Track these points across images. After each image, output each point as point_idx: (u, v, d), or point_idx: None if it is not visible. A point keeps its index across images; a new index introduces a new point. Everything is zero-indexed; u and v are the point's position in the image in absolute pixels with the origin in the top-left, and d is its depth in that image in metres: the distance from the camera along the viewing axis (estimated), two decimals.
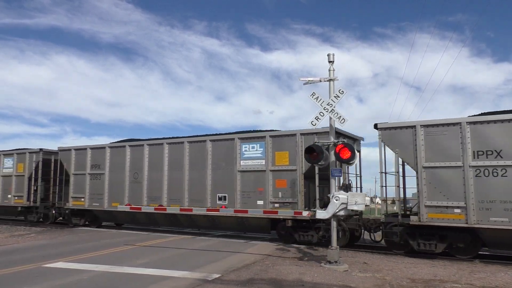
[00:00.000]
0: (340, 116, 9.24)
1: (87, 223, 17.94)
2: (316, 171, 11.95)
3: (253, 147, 13.62)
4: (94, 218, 17.84)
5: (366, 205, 9.10)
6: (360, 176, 14.27)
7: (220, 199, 13.99)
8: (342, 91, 9.35)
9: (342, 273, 8.47)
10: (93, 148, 17.66)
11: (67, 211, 18.43)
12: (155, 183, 15.55)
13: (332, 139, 9.52)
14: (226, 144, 14.13)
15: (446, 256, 10.84)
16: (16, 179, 20.14)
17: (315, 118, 9.47)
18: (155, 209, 13.69)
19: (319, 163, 9.57)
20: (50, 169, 19.59)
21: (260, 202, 13.20)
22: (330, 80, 9.65)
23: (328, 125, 9.93)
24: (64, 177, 18.72)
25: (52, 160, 19.60)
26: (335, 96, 9.39)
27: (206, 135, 14.95)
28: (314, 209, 10.10)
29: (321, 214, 9.27)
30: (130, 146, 16.58)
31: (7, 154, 20.92)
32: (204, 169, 14.41)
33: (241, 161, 13.72)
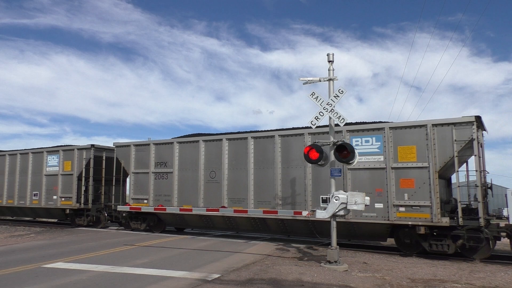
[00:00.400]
0: (340, 116, 9.24)
1: (147, 227, 15.92)
2: (456, 168, 10.73)
3: (367, 141, 11.84)
4: (157, 222, 15.81)
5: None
6: (485, 172, 12.29)
7: (324, 201, 12.10)
8: (342, 91, 9.36)
9: (342, 273, 8.47)
10: (158, 143, 15.69)
11: (124, 214, 16.27)
12: (238, 183, 13.75)
13: (332, 139, 9.52)
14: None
15: None
16: (63, 179, 18.19)
17: (315, 117, 9.49)
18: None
19: (319, 163, 9.58)
20: (101, 167, 17.88)
21: (379, 205, 11.39)
22: (329, 80, 9.66)
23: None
24: (122, 176, 16.98)
25: (104, 158, 17.95)
26: (334, 96, 9.40)
27: (305, 127, 13.04)
28: (314, 209, 10.09)
29: (320, 214, 9.26)
30: (204, 141, 14.63)
31: (51, 151, 18.87)
32: (302, 166, 12.57)
33: None
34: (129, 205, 15.62)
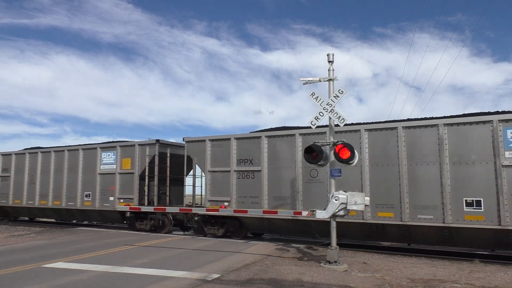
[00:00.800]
0: (340, 116, 9.25)
1: (226, 233, 13.97)
2: None
3: None
4: (239, 227, 13.87)
5: (366, 205, 9.08)
6: None
7: (469, 204, 10.22)
8: (342, 91, 9.37)
9: (342, 273, 8.48)
10: (241, 138, 13.70)
11: (196, 218, 14.45)
12: (348, 182, 11.67)
13: (332, 139, 9.53)
14: (474, 130, 10.38)
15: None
16: (121, 178, 16.29)
17: (315, 118, 9.50)
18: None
19: (319, 163, 9.60)
20: (165, 165, 15.94)
21: None
22: (329, 80, 9.67)
23: None
24: (195, 175, 15.06)
25: (168, 154, 16.08)
26: (334, 96, 9.41)
27: (440, 117, 11.18)
28: (314, 209, 10.09)
29: (320, 214, 9.28)
30: (302, 134, 12.45)
31: (107, 147, 16.97)
32: (436, 163, 10.67)
33: (506, 153, 10.02)
34: (127, 204, 15.31)
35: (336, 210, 9.00)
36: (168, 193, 15.88)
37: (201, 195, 14.90)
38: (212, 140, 14.30)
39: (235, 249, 11.56)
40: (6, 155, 20.36)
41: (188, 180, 17.26)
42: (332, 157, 9.45)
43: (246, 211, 11.81)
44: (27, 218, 22.23)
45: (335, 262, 9.02)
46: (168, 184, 15.93)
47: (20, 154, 19.90)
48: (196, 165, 14.84)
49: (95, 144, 17.61)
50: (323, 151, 9.45)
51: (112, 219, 17.28)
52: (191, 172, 15.48)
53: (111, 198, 16.47)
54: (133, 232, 15.75)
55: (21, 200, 19.47)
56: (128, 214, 16.01)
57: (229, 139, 13.92)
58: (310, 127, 12.29)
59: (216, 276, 7.97)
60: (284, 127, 13.74)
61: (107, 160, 16.84)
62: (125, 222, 16.75)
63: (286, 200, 12.72)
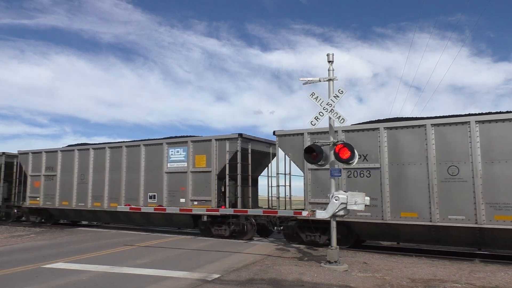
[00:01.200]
0: (340, 116, 9.25)
1: (328, 241, 11.50)
2: None
3: None
4: (346, 233, 11.88)
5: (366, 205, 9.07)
6: None
7: None
8: (342, 91, 9.37)
9: (342, 273, 8.47)
10: (351, 130, 11.91)
11: (290, 223, 12.64)
12: (503, 182, 9.82)
13: (332, 138, 9.53)
14: None
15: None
16: (194, 177, 14.54)
17: (315, 118, 9.50)
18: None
19: (319, 163, 9.60)
20: (247, 162, 14.25)
21: None
22: (329, 80, 9.67)
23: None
24: (290, 174, 13.22)
25: (249, 151, 14.44)
26: (334, 96, 9.41)
27: None
28: (314, 209, 10.07)
29: (320, 214, 9.27)
30: (434, 125, 10.71)
31: (175, 142, 15.19)
32: None
33: None
34: (128, 205, 14.74)
35: (336, 210, 9.01)
36: (250, 195, 14.51)
37: (286, 197, 13.46)
38: (312, 134, 12.50)
39: (235, 249, 11.56)
40: (51, 152, 18.59)
41: (262, 179, 15.93)
42: (332, 157, 9.45)
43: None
44: (69, 222, 20.52)
45: (335, 262, 9.02)
46: (250, 184, 14.41)
47: (67, 151, 18.07)
48: (292, 162, 13.11)
49: (160, 139, 15.76)
50: (323, 151, 9.46)
51: (181, 224, 15.46)
52: (264, 172, 14.34)
53: (182, 200, 14.65)
54: (133, 233, 15.74)
55: (70, 201, 17.63)
56: (204, 218, 14.00)
57: (335, 131, 11.44)
58: (442, 117, 11.03)
59: (216, 276, 7.97)
60: (409, 117, 11.78)
61: (176, 157, 15.06)
62: (200, 227, 14.62)
63: (415, 203, 10.80)
